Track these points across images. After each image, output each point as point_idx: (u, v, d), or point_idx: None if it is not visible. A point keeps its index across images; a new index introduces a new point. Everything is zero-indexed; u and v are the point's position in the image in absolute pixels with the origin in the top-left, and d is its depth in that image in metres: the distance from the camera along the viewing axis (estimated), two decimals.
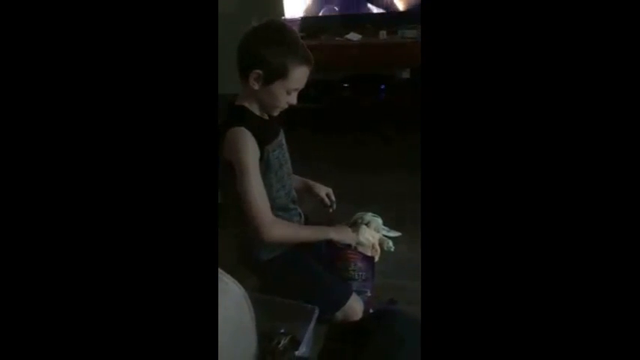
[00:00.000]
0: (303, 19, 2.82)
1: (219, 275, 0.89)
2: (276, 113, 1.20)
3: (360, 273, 1.33)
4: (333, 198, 1.40)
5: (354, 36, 2.80)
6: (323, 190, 1.40)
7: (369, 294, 1.34)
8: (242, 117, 1.13)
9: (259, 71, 1.09)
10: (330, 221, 1.42)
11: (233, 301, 0.93)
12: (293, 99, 1.16)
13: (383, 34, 2.76)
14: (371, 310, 1.32)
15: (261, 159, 1.13)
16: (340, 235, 1.25)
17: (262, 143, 1.13)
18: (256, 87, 1.11)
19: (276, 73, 1.09)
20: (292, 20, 2.77)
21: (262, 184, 1.12)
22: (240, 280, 0.95)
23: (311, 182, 1.41)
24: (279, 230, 1.15)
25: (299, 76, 1.12)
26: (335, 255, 1.31)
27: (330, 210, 1.40)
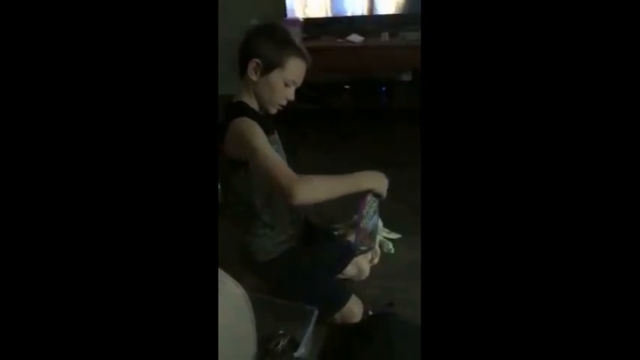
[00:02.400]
0: (305, 21, 2.82)
1: (219, 275, 0.89)
2: (274, 110, 1.20)
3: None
4: None
5: (355, 38, 2.80)
6: None
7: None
8: (242, 111, 1.13)
9: (257, 60, 1.12)
10: (330, 220, 1.42)
11: (232, 301, 0.93)
12: (291, 94, 1.17)
13: (385, 37, 2.77)
14: (370, 312, 1.33)
15: None
16: (375, 182, 1.16)
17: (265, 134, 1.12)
18: (254, 77, 1.13)
19: (273, 62, 1.12)
20: (294, 21, 2.78)
21: (278, 156, 1.08)
22: (240, 280, 0.95)
23: None
24: (310, 188, 1.03)
25: (295, 68, 1.15)
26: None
27: None
